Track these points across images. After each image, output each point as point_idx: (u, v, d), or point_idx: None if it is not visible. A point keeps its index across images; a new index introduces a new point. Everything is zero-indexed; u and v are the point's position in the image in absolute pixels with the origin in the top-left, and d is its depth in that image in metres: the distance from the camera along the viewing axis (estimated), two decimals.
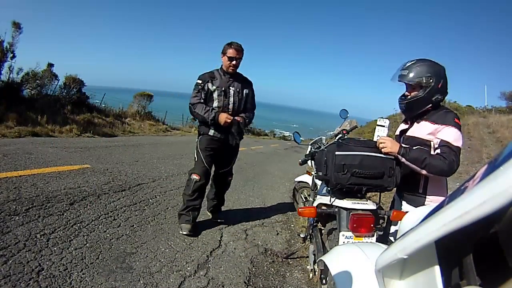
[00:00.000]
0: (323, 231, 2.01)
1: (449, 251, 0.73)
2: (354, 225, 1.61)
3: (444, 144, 1.57)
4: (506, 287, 0.58)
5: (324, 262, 1.33)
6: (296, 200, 3.54)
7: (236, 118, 2.61)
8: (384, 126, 1.77)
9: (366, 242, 1.59)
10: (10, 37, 8.21)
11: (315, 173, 2.07)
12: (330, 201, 1.74)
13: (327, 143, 2.07)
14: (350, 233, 1.62)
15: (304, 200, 3.27)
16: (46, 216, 2.41)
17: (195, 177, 2.63)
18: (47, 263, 1.82)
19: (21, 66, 8.69)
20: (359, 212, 1.64)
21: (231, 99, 2.63)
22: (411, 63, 1.66)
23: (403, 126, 1.88)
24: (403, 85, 1.74)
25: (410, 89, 1.69)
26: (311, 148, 2.32)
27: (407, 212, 1.54)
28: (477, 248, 0.64)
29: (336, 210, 1.72)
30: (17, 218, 2.29)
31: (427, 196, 1.70)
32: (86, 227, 2.39)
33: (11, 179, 3.09)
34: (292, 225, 3.42)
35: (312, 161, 2.17)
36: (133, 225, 2.61)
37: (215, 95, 2.60)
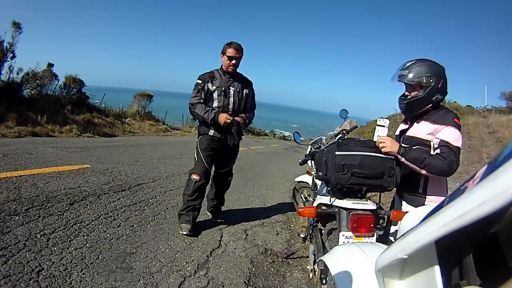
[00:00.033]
0: (323, 231, 2.01)
1: (449, 251, 0.73)
2: (354, 225, 1.61)
3: (443, 144, 1.57)
4: (506, 287, 0.58)
5: (324, 262, 1.33)
6: (296, 200, 3.53)
7: (236, 118, 2.61)
8: (384, 126, 1.77)
9: (366, 242, 1.59)
10: (10, 37, 8.22)
11: (315, 173, 2.07)
12: (330, 201, 1.74)
13: (327, 143, 2.07)
14: (350, 233, 1.62)
15: (304, 200, 3.27)
16: (46, 216, 2.41)
17: (195, 177, 2.63)
18: (47, 263, 1.82)
19: (21, 66, 8.71)
20: (359, 212, 1.64)
21: (231, 99, 2.63)
22: (411, 63, 1.66)
23: (403, 126, 1.88)
24: (403, 85, 1.74)
25: (410, 89, 1.69)
26: (311, 148, 2.32)
27: (407, 212, 1.54)
28: (477, 248, 0.64)
29: (336, 210, 1.72)
30: (17, 218, 2.29)
31: (427, 196, 1.70)
32: (86, 227, 2.39)
33: (11, 179, 3.09)
34: (292, 225, 3.42)
35: (312, 161, 2.17)
36: (133, 225, 2.61)
37: (215, 95, 2.60)
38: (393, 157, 1.67)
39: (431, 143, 1.64)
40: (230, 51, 2.54)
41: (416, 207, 1.59)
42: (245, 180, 5.21)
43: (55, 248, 2.00)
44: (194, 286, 1.94)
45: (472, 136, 12.57)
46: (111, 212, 2.77)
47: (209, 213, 3.08)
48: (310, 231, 2.27)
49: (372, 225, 1.64)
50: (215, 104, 2.60)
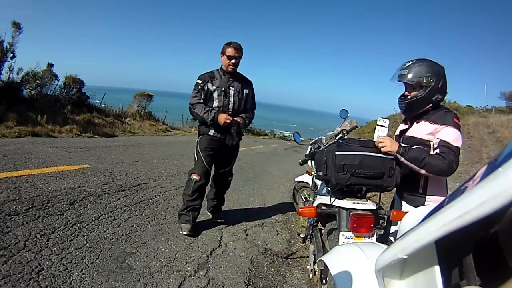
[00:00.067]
0: (323, 231, 2.01)
1: (449, 251, 0.73)
2: (354, 225, 1.61)
3: (443, 144, 1.57)
4: (506, 287, 0.58)
5: (324, 262, 1.33)
6: (296, 200, 3.53)
7: (235, 118, 2.61)
8: (384, 126, 1.77)
9: (366, 242, 1.59)
10: (10, 37, 8.22)
11: (315, 173, 2.07)
12: (330, 201, 1.74)
13: (327, 143, 2.07)
14: (350, 233, 1.62)
15: (304, 200, 3.27)
16: (46, 216, 2.41)
17: (195, 177, 2.63)
18: (47, 263, 1.83)
19: (21, 66, 8.72)
20: (359, 212, 1.64)
21: (231, 99, 2.63)
22: (410, 63, 1.66)
23: (402, 126, 1.88)
24: (403, 85, 1.74)
25: (410, 89, 1.69)
26: (311, 148, 2.32)
27: (407, 212, 1.54)
28: (477, 248, 0.64)
29: (336, 210, 1.72)
30: (17, 218, 2.29)
31: (427, 196, 1.70)
32: (86, 227, 2.39)
33: (11, 179, 3.09)
34: (292, 225, 3.42)
35: (312, 161, 2.17)
36: (133, 225, 2.61)
37: (215, 95, 2.60)
38: (393, 157, 1.67)
39: (431, 143, 1.64)
40: (230, 51, 2.54)
41: (416, 207, 1.59)
42: (245, 180, 5.21)
43: (55, 248, 2.00)
44: (194, 286, 1.94)
45: (472, 136, 12.58)
46: (111, 212, 2.77)
47: (209, 213, 3.08)
48: (310, 231, 2.27)
49: (372, 225, 1.64)
50: (215, 104, 2.60)
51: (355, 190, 1.71)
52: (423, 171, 1.59)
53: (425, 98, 1.64)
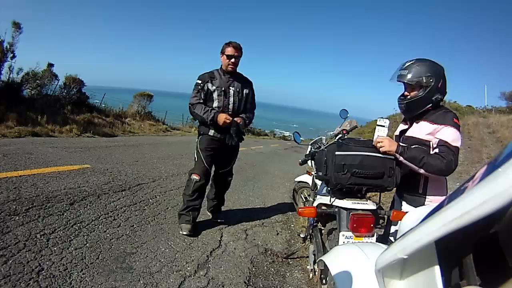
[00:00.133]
0: (323, 231, 2.01)
1: (449, 251, 0.73)
2: (354, 225, 1.61)
3: (442, 144, 1.57)
4: (506, 287, 0.58)
5: (324, 262, 1.33)
6: (296, 200, 3.54)
7: (235, 119, 2.61)
8: (384, 126, 1.77)
9: (366, 242, 1.59)
10: (10, 37, 8.21)
11: (315, 173, 2.07)
12: (330, 201, 1.74)
13: (327, 143, 2.07)
14: (350, 233, 1.62)
15: (304, 200, 3.27)
16: (46, 216, 2.41)
17: (195, 177, 2.63)
18: (47, 263, 1.83)
19: (21, 66, 8.71)
20: (359, 212, 1.64)
21: (231, 99, 2.63)
22: (410, 63, 1.66)
23: (402, 127, 1.88)
24: (402, 85, 1.74)
25: (410, 89, 1.69)
26: (311, 148, 2.32)
27: (407, 212, 1.54)
28: (477, 248, 0.64)
29: (336, 210, 1.72)
30: (17, 218, 2.29)
31: (427, 196, 1.70)
32: (86, 227, 2.39)
33: (11, 179, 3.09)
34: (292, 225, 3.42)
35: (312, 161, 2.17)
36: (133, 225, 2.61)
37: (215, 95, 2.60)
38: (393, 157, 1.67)
39: (430, 143, 1.64)
40: (229, 50, 2.54)
41: (416, 207, 1.59)
42: (245, 180, 5.21)
43: (55, 248, 2.00)
44: (194, 286, 1.94)
45: (472, 136, 12.58)
46: (111, 212, 2.77)
47: (209, 213, 3.08)
48: (310, 231, 2.27)
49: (372, 225, 1.64)
50: (215, 104, 2.60)
51: (355, 190, 1.71)
52: (422, 171, 1.59)
53: (425, 98, 1.63)
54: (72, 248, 2.04)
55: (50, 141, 6.00)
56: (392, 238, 1.84)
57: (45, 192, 2.89)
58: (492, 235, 0.61)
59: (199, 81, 2.61)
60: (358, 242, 1.58)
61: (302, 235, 2.70)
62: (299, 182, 3.37)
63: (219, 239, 2.70)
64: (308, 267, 2.26)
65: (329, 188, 1.77)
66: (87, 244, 2.14)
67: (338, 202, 1.70)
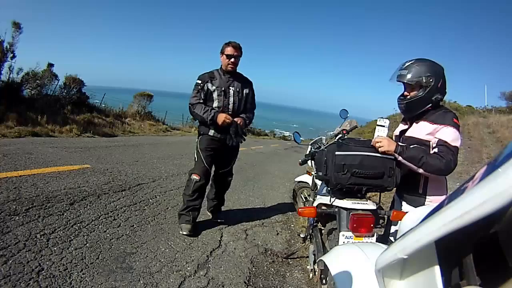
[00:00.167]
0: (323, 231, 2.01)
1: (449, 251, 0.73)
2: (354, 225, 1.61)
3: (441, 144, 1.57)
4: (506, 287, 0.58)
5: (324, 262, 1.33)
6: (296, 200, 3.54)
7: (236, 119, 2.60)
8: (384, 126, 1.77)
9: (366, 242, 1.59)
10: (10, 37, 8.20)
11: (315, 173, 2.07)
12: (330, 201, 1.74)
13: (327, 143, 2.07)
14: (350, 233, 1.62)
15: (304, 200, 3.27)
16: (46, 216, 2.41)
17: (195, 177, 2.63)
18: (47, 263, 1.83)
19: (21, 66, 8.71)
20: (359, 212, 1.64)
21: (231, 99, 2.63)
22: (410, 62, 1.66)
23: (402, 127, 1.88)
24: (401, 85, 1.74)
25: (409, 89, 1.69)
26: (311, 148, 2.32)
27: (407, 212, 1.54)
28: (477, 248, 0.64)
29: (336, 210, 1.72)
30: (17, 218, 2.29)
31: (427, 197, 1.70)
32: (86, 227, 2.39)
33: (11, 179, 3.09)
34: (292, 225, 3.42)
35: (312, 161, 2.17)
36: (133, 225, 2.61)
37: (214, 95, 2.60)
38: (393, 157, 1.67)
39: (430, 143, 1.64)
40: (229, 50, 2.55)
41: (416, 207, 1.59)
42: (245, 180, 5.21)
43: (55, 248, 2.00)
44: (194, 286, 1.94)
45: (472, 136, 12.58)
46: (111, 212, 2.77)
47: (209, 213, 3.08)
48: (310, 231, 2.27)
49: (372, 225, 1.64)
50: (215, 104, 2.60)
51: (355, 190, 1.71)
52: (421, 170, 1.59)
53: (424, 98, 1.63)
54: (72, 248, 2.04)
55: (50, 141, 6.00)
56: (392, 238, 1.84)
57: (45, 192, 2.89)
58: (492, 235, 0.61)
59: (199, 81, 2.61)
60: (358, 242, 1.58)
61: (302, 235, 2.70)
62: (299, 182, 3.37)
63: (219, 239, 2.70)
64: (308, 267, 2.26)
65: (329, 188, 1.77)
66: (87, 244, 2.14)
67: (338, 202, 1.70)
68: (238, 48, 2.56)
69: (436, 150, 1.59)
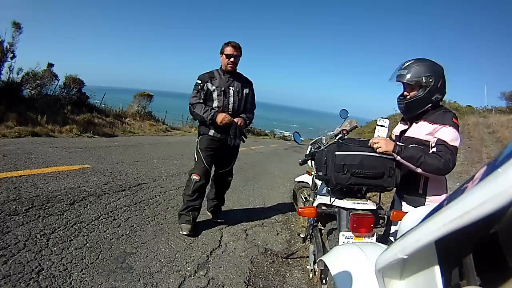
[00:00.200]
0: (323, 231, 2.01)
1: (449, 251, 0.73)
2: (354, 225, 1.61)
3: (440, 143, 1.57)
4: (506, 287, 0.58)
5: (324, 262, 1.33)
6: (296, 200, 3.54)
7: (236, 119, 2.60)
8: (384, 126, 1.77)
9: (366, 242, 1.59)
10: (10, 37, 8.21)
11: (315, 173, 2.07)
12: (330, 201, 1.74)
13: (327, 143, 2.07)
14: (350, 233, 1.62)
15: (304, 200, 3.27)
16: (46, 216, 2.41)
17: (195, 177, 2.63)
18: (47, 263, 1.83)
19: (21, 66, 8.71)
20: (359, 212, 1.64)
21: (231, 99, 2.63)
22: (409, 62, 1.66)
23: (402, 127, 1.87)
24: (401, 85, 1.73)
25: (409, 89, 1.69)
26: (311, 148, 2.32)
27: (407, 212, 1.54)
28: (477, 248, 0.64)
29: (336, 210, 1.72)
30: (17, 218, 2.29)
31: (427, 197, 1.70)
32: (86, 227, 2.39)
33: (11, 179, 3.09)
34: (292, 225, 3.42)
35: (312, 161, 2.17)
36: (133, 225, 2.61)
37: (214, 95, 2.60)
38: (393, 157, 1.67)
39: (430, 143, 1.64)
40: (228, 49, 2.55)
41: (416, 207, 1.59)
42: (245, 180, 5.21)
43: (55, 248, 2.00)
44: (194, 286, 1.94)
45: (472, 136, 12.58)
46: (111, 212, 2.77)
47: (209, 213, 3.08)
48: (310, 231, 2.27)
49: (372, 225, 1.64)
50: (215, 104, 2.60)
51: (355, 190, 1.71)
52: (419, 170, 1.59)
53: (424, 98, 1.63)
54: (72, 248, 2.04)
55: (50, 141, 6.00)
56: (392, 238, 1.84)
57: (45, 192, 2.89)
58: (492, 235, 0.61)
59: (199, 81, 2.61)
60: (358, 242, 1.58)
61: (302, 235, 2.70)
62: (299, 182, 3.37)
63: (219, 239, 2.70)
64: (308, 267, 2.26)
65: (329, 188, 1.77)
66: (87, 244, 2.14)
67: (338, 202, 1.70)
68: (237, 47, 2.57)
69: (434, 149, 1.58)
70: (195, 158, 2.73)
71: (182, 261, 2.20)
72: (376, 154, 1.66)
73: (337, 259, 1.20)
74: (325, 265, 1.39)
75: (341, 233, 1.64)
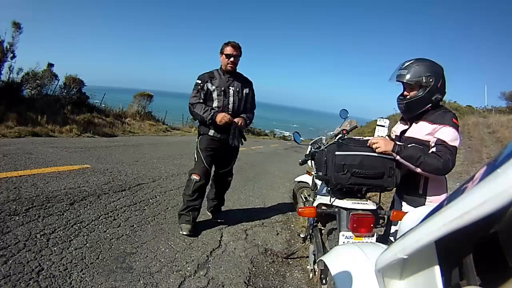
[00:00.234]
0: (323, 231, 2.01)
1: (449, 251, 0.73)
2: (354, 225, 1.61)
3: (440, 143, 1.57)
4: (506, 287, 0.58)
5: (324, 262, 1.33)
6: (296, 200, 3.54)
7: (236, 119, 2.60)
8: (384, 126, 1.77)
9: (366, 242, 1.59)
10: (10, 37, 8.21)
11: (315, 173, 2.07)
12: (330, 201, 1.74)
13: (327, 143, 2.07)
14: (350, 233, 1.62)
15: (304, 200, 3.27)
16: (46, 216, 2.41)
17: (195, 177, 2.63)
18: (47, 263, 1.83)
19: (21, 66, 8.71)
20: (359, 212, 1.64)
21: (231, 99, 2.63)
22: (409, 62, 1.66)
23: (401, 127, 1.87)
24: (401, 85, 1.73)
25: (409, 89, 1.68)
26: (311, 148, 2.32)
27: (407, 212, 1.54)
28: (477, 248, 0.64)
29: (336, 210, 1.72)
30: (17, 218, 2.29)
31: (427, 197, 1.70)
32: (86, 227, 2.39)
33: (11, 179, 3.09)
34: (292, 225, 3.42)
35: (312, 161, 2.17)
36: (133, 225, 2.61)
37: (214, 95, 2.60)
38: (393, 157, 1.67)
39: (429, 143, 1.64)
40: (228, 49, 2.55)
41: (416, 207, 1.59)
42: (245, 180, 5.21)
43: (55, 248, 2.00)
44: (194, 286, 1.94)
45: (472, 136, 12.58)
46: (111, 212, 2.77)
47: (209, 213, 3.08)
48: (310, 231, 2.27)
49: (372, 225, 1.64)
50: (215, 104, 2.60)
51: (355, 190, 1.71)
52: (418, 170, 1.58)
53: (424, 98, 1.63)
54: (72, 248, 2.04)
55: (50, 141, 6.00)
56: (392, 238, 1.84)
57: (45, 192, 2.89)
58: (492, 235, 0.61)
59: (199, 81, 2.61)
60: (358, 242, 1.58)
61: (302, 235, 2.70)
62: (299, 182, 3.37)
63: (219, 239, 2.70)
64: (308, 267, 2.26)
65: (329, 188, 1.77)
66: (87, 244, 2.14)
67: (338, 202, 1.70)
68: (237, 47, 2.57)
69: (434, 149, 1.58)
70: (195, 158, 2.73)
71: (182, 261, 2.20)
72: (376, 154, 1.66)
73: (337, 259, 1.20)
74: (325, 265, 1.39)
75: (341, 233, 1.64)
